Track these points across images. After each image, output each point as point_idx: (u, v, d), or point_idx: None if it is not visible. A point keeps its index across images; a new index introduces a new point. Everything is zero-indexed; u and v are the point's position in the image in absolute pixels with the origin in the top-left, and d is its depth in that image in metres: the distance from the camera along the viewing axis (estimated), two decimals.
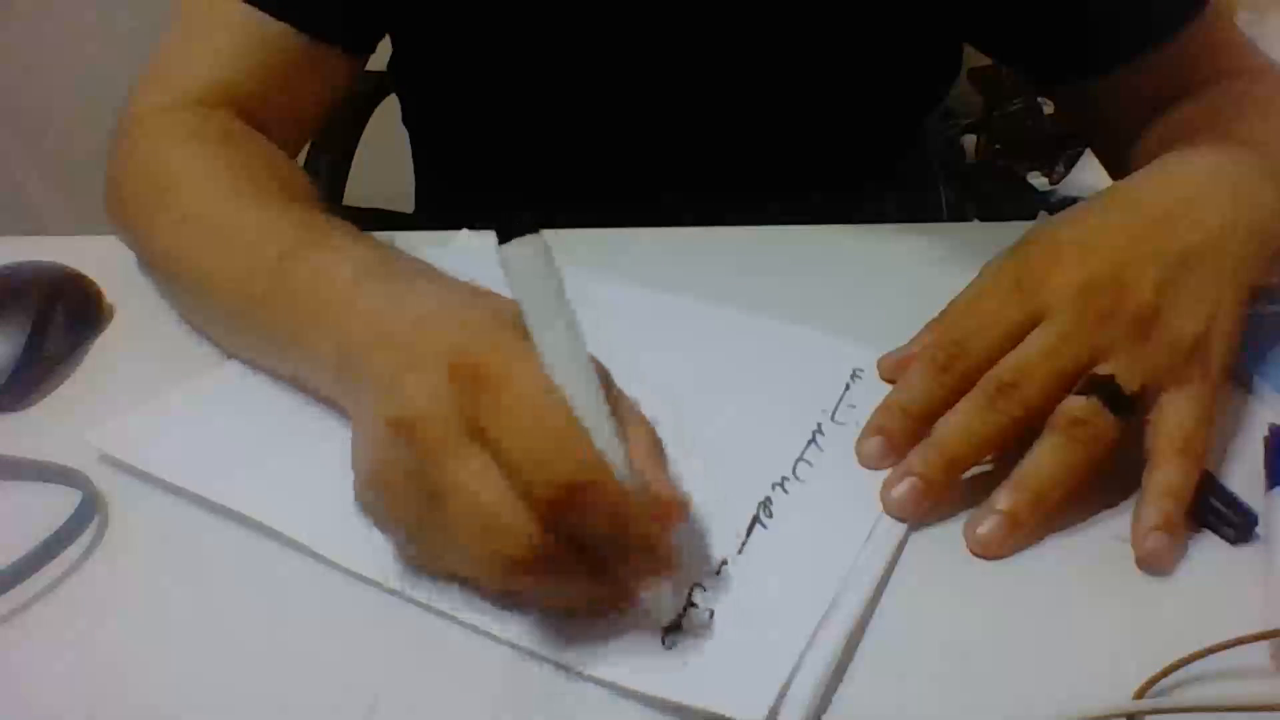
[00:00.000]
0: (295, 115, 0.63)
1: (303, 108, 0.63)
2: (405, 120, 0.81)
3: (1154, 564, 0.39)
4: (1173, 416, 0.41)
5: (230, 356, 0.50)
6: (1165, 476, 0.40)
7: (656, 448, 0.36)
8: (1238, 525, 0.40)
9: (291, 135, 0.62)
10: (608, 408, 0.34)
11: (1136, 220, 0.45)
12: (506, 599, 0.36)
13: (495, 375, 0.34)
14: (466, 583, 0.37)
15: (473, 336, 0.36)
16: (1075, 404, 0.41)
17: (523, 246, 0.34)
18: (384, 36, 0.67)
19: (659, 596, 0.35)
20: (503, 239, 0.34)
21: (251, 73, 0.59)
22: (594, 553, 0.34)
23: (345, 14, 0.61)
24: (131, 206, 0.55)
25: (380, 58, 0.76)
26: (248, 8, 0.58)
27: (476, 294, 0.39)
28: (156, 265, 0.54)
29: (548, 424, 0.33)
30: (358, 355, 0.39)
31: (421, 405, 0.34)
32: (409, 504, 0.35)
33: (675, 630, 0.36)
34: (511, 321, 0.35)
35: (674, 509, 0.34)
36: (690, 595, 0.37)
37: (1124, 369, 0.41)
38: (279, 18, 0.59)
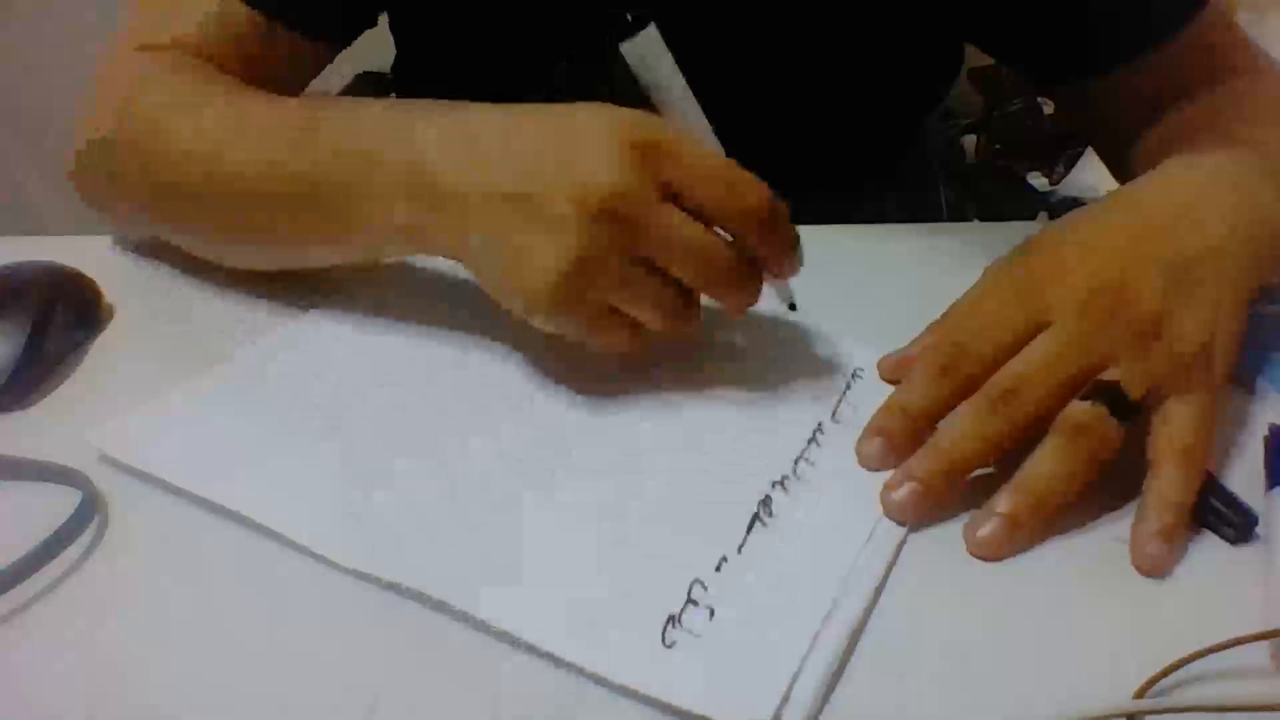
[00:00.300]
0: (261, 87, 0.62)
1: (266, 84, 0.62)
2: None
3: (1153, 571, 0.39)
4: (1175, 424, 0.41)
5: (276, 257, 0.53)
6: (1166, 485, 0.40)
7: None
8: (1237, 525, 0.40)
9: None
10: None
11: (1140, 226, 0.45)
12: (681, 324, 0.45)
13: (668, 147, 0.41)
14: (636, 343, 0.45)
15: (631, 121, 0.42)
16: (1080, 409, 0.41)
17: (642, 39, 0.43)
18: (358, 31, 0.66)
19: (784, 285, 0.48)
20: (618, 37, 0.42)
21: (215, 44, 0.59)
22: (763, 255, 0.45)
23: (316, 3, 0.61)
24: (139, 151, 0.54)
25: (383, 58, 0.76)
26: None
27: (567, 106, 0.44)
28: (161, 198, 0.53)
29: (726, 174, 0.42)
30: (447, 176, 0.43)
31: (617, 185, 0.40)
32: (618, 273, 0.42)
33: (675, 624, 0.36)
34: (632, 110, 0.42)
35: (786, 217, 0.45)
36: (690, 592, 0.37)
37: (1128, 375, 0.41)
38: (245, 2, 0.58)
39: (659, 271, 0.43)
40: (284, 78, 0.63)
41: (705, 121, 0.45)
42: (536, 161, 0.42)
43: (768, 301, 0.53)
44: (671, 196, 0.42)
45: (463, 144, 0.44)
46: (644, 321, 0.44)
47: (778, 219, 0.44)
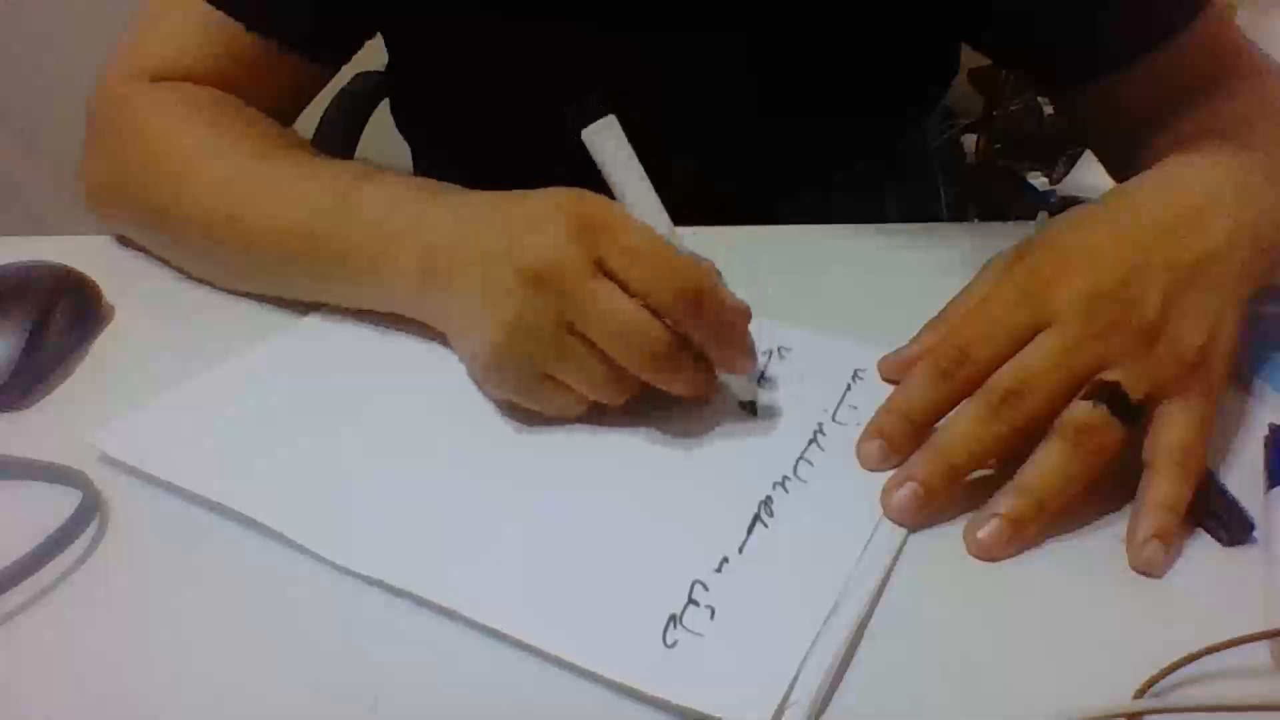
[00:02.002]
0: (260, 109, 0.62)
1: (269, 105, 0.63)
2: (399, 127, 0.81)
3: (1149, 572, 0.39)
4: (1173, 428, 0.41)
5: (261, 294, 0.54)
6: (1163, 488, 0.40)
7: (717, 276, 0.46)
8: (1232, 530, 0.40)
9: None
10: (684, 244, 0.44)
11: (1142, 229, 0.45)
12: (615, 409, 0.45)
13: (608, 222, 0.42)
14: (581, 408, 0.45)
15: (576, 199, 0.43)
16: (1082, 410, 0.41)
17: (602, 128, 0.43)
18: (357, 47, 0.67)
19: (745, 379, 0.46)
20: (577, 125, 0.43)
21: (217, 67, 0.60)
22: (705, 347, 0.44)
23: (307, 23, 0.62)
24: (142, 185, 0.55)
25: (383, 58, 0.76)
26: (208, 6, 0.59)
27: (535, 192, 0.45)
28: (183, 238, 0.55)
29: (662, 254, 0.42)
30: (445, 256, 0.46)
31: (551, 255, 0.41)
32: (550, 342, 0.42)
33: (676, 623, 0.36)
34: (590, 192, 0.43)
35: (747, 313, 0.45)
36: (691, 593, 0.37)
37: (1129, 376, 0.41)
38: (236, 19, 0.59)
39: (593, 344, 0.43)
40: (286, 98, 0.64)
41: (664, 213, 0.44)
42: (494, 237, 0.44)
43: (768, 302, 0.53)
44: (609, 273, 0.42)
45: (465, 229, 0.46)
46: (580, 392, 0.44)
47: (715, 307, 0.43)
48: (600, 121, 0.43)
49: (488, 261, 0.43)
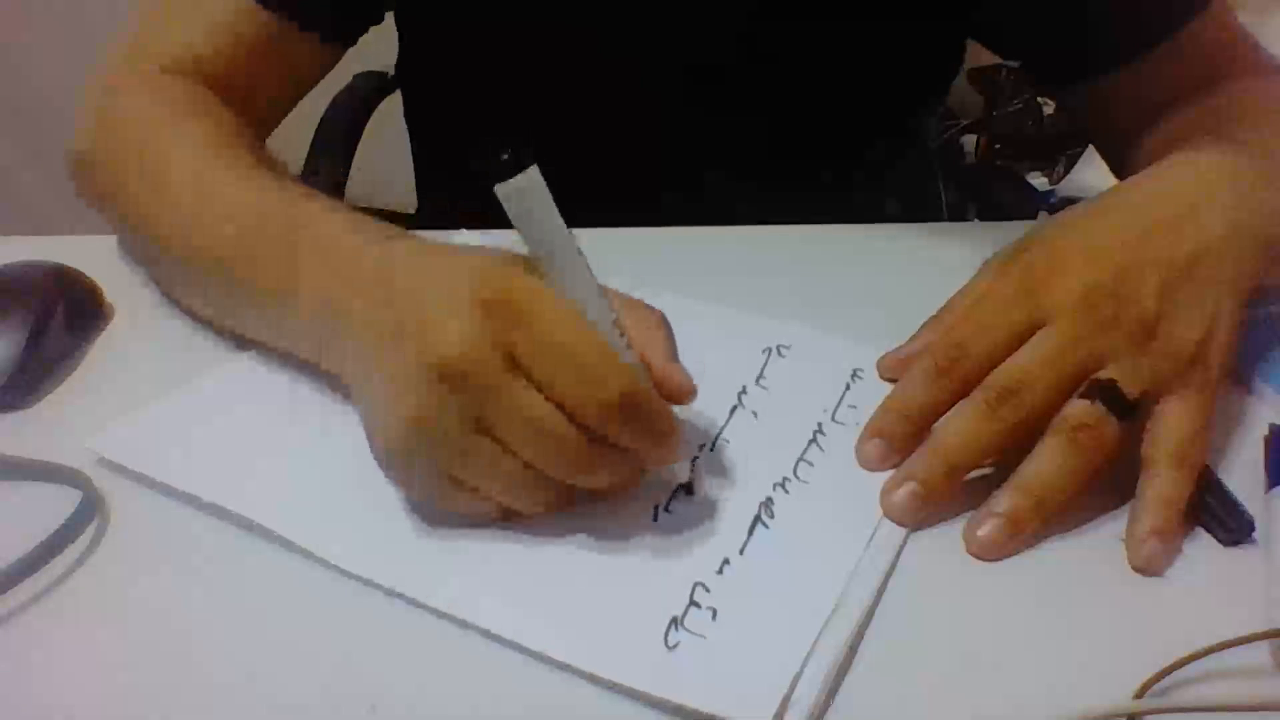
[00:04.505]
0: (267, 94, 0.62)
1: (274, 88, 0.63)
2: (408, 118, 0.81)
3: (1148, 569, 0.39)
4: (1171, 424, 0.41)
5: (220, 329, 0.51)
6: (1161, 485, 0.40)
7: (668, 338, 0.42)
8: (1231, 529, 0.40)
9: (263, 112, 0.62)
10: (615, 315, 0.39)
11: (1139, 226, 0.45)
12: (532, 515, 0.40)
13: (524, 310, 0.37)
14: (492, 512, 0.40)
15: (493, 276, 0.38)
16: (1079, 408, 0.41)
17: (521, 182, 0.36)
18: (364, 29, 0.67)
19: (677, 466, 0.41)
20: (494, 177, 0.36)
21: (224, 49, 0.59)
22: (630, 447, 0.38)
23: (320, 3, 0.61)
24: (108, 176, 0.55)
25: (383, 58, 0.76)
26: None
27: (460, 248, 0.41)
28: (135, 232, 0.54)
29: (581, 350, 0.37)
30: (349, 308, 0.41)
31: (462, 348, 0.36)
32: (456, 442, 0.37)
33: (675, 625, 0.36)
34: (520, 260, 0.39)
35: (686, 393, 0.40)
36: (693, 595, 0.37)
37: (1125, 374, 0.41)
38: (259, 2, 0.59)
39: (505, 445, 0.38)
40: (296, 82, 0.64)
41: (591, 279, 0.38)
42: (407, 311, 0.39)
43: (768, 302, 0.53)
44: (524, 370, 0.37)
45: (370, 285, 0.41)
46: (490, 496, 0.39)
47: (643, 414, 0.37)
48: (521, 176, 0.36)
49: (396, 341, 0.38)
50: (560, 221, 0.38)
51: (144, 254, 0.55)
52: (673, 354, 0.41)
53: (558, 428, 0.37)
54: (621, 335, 0.39)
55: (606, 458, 0.38)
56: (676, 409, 0.40)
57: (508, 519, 0.40)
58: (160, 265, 0.54)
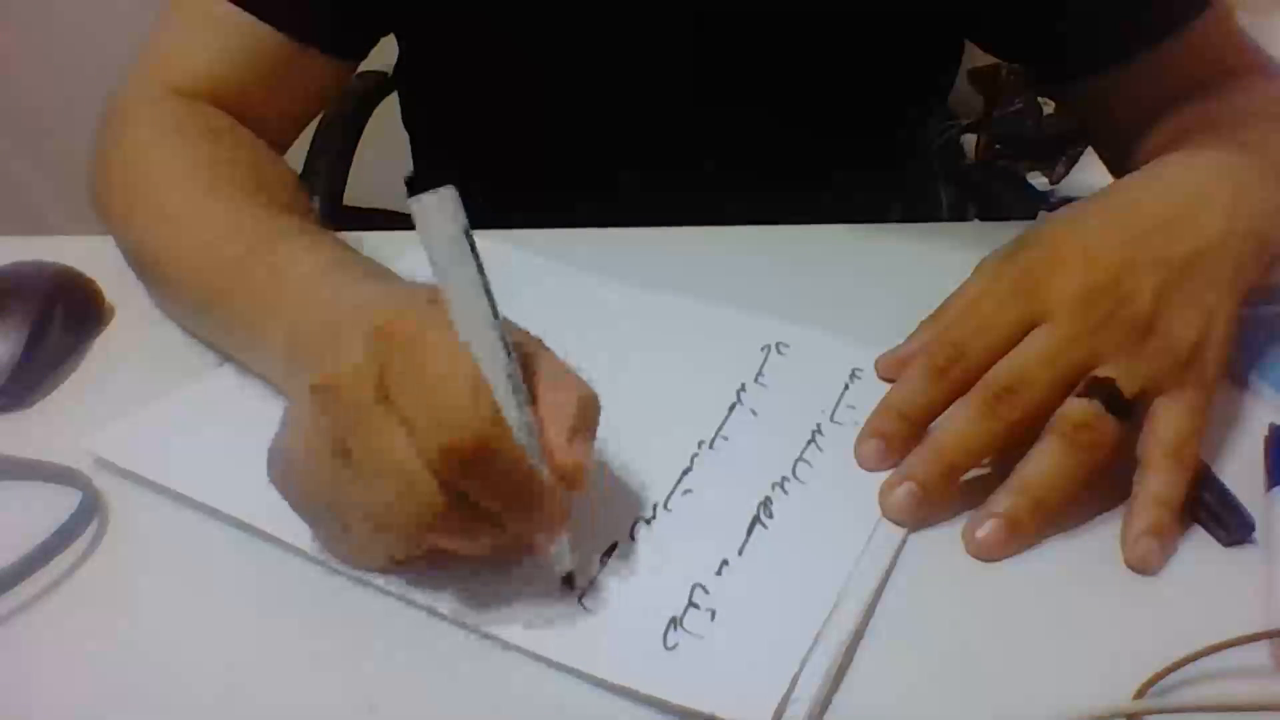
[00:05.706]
0: (282, 114, 0.63)
1: (289, 107, 0.63)
2: (405, 122, 0.81)
3: (1144, 568, 0.39)
4: (1167, 423, 0.41)
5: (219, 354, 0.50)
6: (1157, 483, 0.41)
7: (580, 415, 0.36)
8: (1230, 529, 0.40)
9: (278, 132, 0.62)
10: (513, 366, 0.35)
11: (1136, 225, 0.45)
12: (408, 563, 0.37)
13: (408, 339, 0.34)
14: (372, 557, 0.37)
15: (395, 304, 0.36)
16: (1077, 407, 0.41)
17: (429, 200, 0.34)
18: (376, 43, 0.67)
19: (558, 549, 0.36)
20: (410, 187, 0.34)
21: (238, 71, 0.59)
22: (491, 509, 0.34)
23: (334, 21, 0.61)
24: (113, 198, 0.55)
25: (382, 58, 0.76)
26: (234, 7, 0.58)
27: (422, 287, 0.38)
28: (132, 256, 0.55)
29: (449, 386, 0.33)
30: (303, 344, 0.40)
31: (335, 368, 0.34)
32: (325, 470, 0.35)
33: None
34: (439, 297, 0.35)
35: (572, 479, 0.35)
36: (692, 596, 0.37)
37: (1123, 373, 0.41)
38: (265, 20, 0.59)
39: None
40: (311, 100, 0.65)
41: (493, 315, 0.35)
42: (323, 341, 0.38)
43: (768, 302, 0.53)
44: (391, 401, 0.34)
45: (319, 330, 0.40)
46: (358, 535, 0.36)
47: (496, 470, 0.33)
48: (437, 191, 0.34)
49: (305, 367, 0.37)
50: (467, 250, 0.35)
51: (139, 275, 0.55)
52: (583, 432, 0.36)
53: (406, 464, 0.32)
54: (517, 389, 0.35)
55: (462, 518, 0.34)
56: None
57: (397, 567, 0.37)
58: (151, 288, 0.54)
